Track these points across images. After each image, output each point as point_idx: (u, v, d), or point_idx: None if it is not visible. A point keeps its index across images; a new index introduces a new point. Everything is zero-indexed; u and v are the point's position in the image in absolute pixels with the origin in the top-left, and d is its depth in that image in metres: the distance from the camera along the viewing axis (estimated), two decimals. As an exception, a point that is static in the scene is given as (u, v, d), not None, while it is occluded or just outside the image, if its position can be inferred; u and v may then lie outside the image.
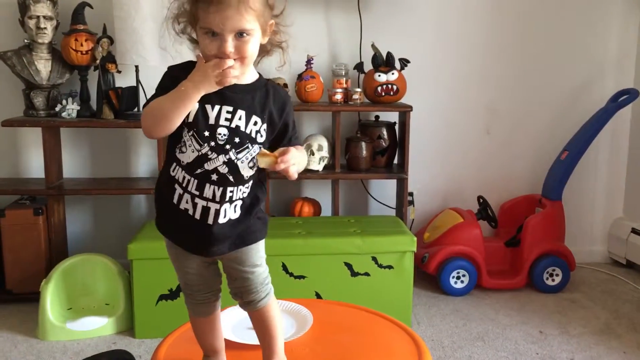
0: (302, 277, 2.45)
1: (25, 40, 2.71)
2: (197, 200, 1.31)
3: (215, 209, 1.31)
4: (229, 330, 1.71)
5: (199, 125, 1.28)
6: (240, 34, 1.24)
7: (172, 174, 1.32)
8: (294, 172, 1.27)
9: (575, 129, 3.08)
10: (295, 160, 1.27)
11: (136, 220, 3.02)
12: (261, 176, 1.39)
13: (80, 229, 3.02)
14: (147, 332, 2.40)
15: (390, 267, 2.48)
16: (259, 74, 1.37)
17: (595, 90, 3.24)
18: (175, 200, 1.33)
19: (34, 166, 2.94)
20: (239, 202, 1.34)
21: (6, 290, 2.68)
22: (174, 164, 1.32)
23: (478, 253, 2.86)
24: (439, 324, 2.58)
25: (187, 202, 1.32)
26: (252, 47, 1.26)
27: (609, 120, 3.00)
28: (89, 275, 2.55)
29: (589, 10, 3.18)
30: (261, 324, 1.43)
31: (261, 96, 1.32)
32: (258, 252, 1.40)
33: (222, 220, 1.32)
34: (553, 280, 2.92)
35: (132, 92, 2.77)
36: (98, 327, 2.43)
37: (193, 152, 1.29)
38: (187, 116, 1.27)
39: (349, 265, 2.47)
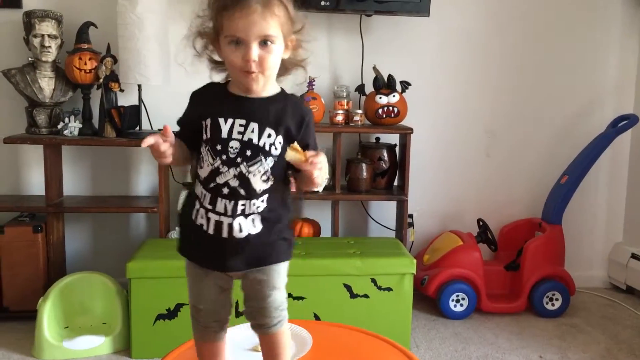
0: (301, 298, 2.44)
1: (30, 59, 2.73)
2: (210, 214, 1.31)
3: (228, 223, 1.31)
4: (229, 351, 1.70)
5: (213, 139, 1.30)
6: (264, 42, 1.24)
7: (196, 190, 1.34)
8: (318, 177, 1.25)
9: (574, 153, 3.09)
10: (323, 166, 1.25)
11: (135, 238, 3.01)
12: (285, 194, 1.37)
13: (79, 246, 3.01)
14: (144, 352, 2.38)
15: (389, 289, 2.47)
16: (282, 88, 1.36)
17: (594, 115, 3.25)
18: (193, 217, 1.34)
19: (35, 183, 2.94)
20: (256, 217, 1.32)
21: (3, 308, 2.66)
22: (197, 180, 1.34)
23: (478, 276, 2.85)
24: (438, 347, 2.56)
25: (202, 217, 1.32)
26: (274, 58, 1.27)
27: (608, 146, 3.01)
28: (86, 294, 2.54)
29: (588, 35, 3.21)
30: (269, 349, 1.41)
31: (278, 109, 1.31)
32: (279, 274, 1.38)
33: (239, 234, 1.31)
34: (553, 304, 2.90)
35: (134, 111, 2.78)
36: (95, 346, 2.41)
37: (208, 166, 1.30)
38: (206, 132, 1.30)
39: (348, 287, 2.46)
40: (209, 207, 1.31)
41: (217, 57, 1.35)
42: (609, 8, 3.20)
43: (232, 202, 1.30)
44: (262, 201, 1.32)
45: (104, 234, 3.04)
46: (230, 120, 1.29)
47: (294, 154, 1.24)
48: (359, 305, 2.46)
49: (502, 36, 3.17)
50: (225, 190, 1.30)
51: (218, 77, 1.39)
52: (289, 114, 1.31)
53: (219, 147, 1.29)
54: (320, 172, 1.25)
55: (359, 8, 2.87)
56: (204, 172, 1.31)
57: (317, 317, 2.44)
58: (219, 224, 1.31)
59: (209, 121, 1.30)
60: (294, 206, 3.03)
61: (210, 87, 1.36)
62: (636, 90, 3.26)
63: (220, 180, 1.29)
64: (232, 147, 1.29)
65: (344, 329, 1.97)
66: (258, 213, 1.32)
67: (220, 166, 1.29)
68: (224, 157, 1.29)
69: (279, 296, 1.38)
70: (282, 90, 1.36)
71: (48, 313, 2.40)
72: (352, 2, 2.83)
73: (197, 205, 1.33)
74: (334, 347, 1.82)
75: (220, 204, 1.30)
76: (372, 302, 2.47)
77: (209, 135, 1.30)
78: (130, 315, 2.39)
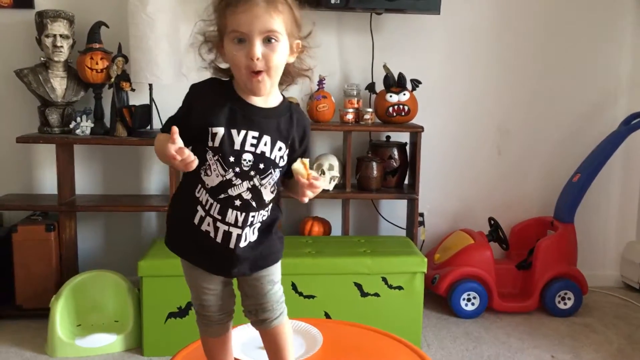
0: (312, 296, 2.44)
1: (42, 58, 2.74)
2: (219, 224, 1.31)
3: (237, 234, 1.31)
4: (238, 349, 1.70)
5: (224, 150, 1.26)
6: (268, 40, 1.23)
7: (197, 195, 1.30)
8: (309, 197, 1.29)
9: (587, 151, 3.06)
10: (317, 191, 1.29)
11: (147, 237, 3.03)
12: (279, 198, 1.39)
13: (91, 245, 3.03)
14: (155, 350, 2.39)
15: (400, 287, 2.47)
16: (283, 96, 1.36)
17: (607, 113, 3.23)
18: (196, 221, 1.31)
19: (47, 182, 2.97)
20: (258, 225, 1.35)
21: (16, 306, 2.68)
22: (199, 185, 1.30)
23: (489, 275, 2.84)
24: (449, 346, 2.55)
25: (208, 225, 1.31)
26: (279, 56, 1.25)
27: (621, 144, 2.98)
28: (98, 292, 2.56)
29: (601, 33, 3.18)
30: (273, 343, 1.42)
31: (286, 122, 1.32)
32: (277, 270, 1.41)
33: (243, 244, 1.33)
34: (565, 304, 2.89)
35: (146, 110, 2.79)
36: (107, 344, 2.42)
37: (217, 176, 1.28)
38: (213, 140, 1.26)
39: (358, 286, 2.46)
40: (218, 217, 1.30)
41: (222, 65, 1.33)
42: (622, 5, 3.17)
43: (244, 213, 1.30)
44: (268, 210, 1.35)
45: (116, 232, 3.06)
46: (243, 132, 1.27)
47: (301, 168, 1.26)
48: (369, 304, 2.46)
49: (513, 33, 3.15)
50: (238, 202, 1.29)
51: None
52: (294, 127, 1.33)
53: (231, 159, 1.27)
54: (312, 194, 1.28)
55: (369, 6, 2.87)
56: (211, 181, 1.29)
57: (327, 316, 2.44)
58: (227, 234, 1.31)
59: (220, 130, 1.26)
60: (305, 205, 3.04)
61: (214, 85, 1.32)
62: (649, 87, 3.24)
63: (232, 192, 1.29)
64: (245, 160, 1.27)
65: (354, 327, 1.97)
66: (261, 222, 1.35)
67: (233, 178, 1.28)
68: (237, 169, 1.27)
69: (277, 289, 1.40)
70: (284, 98, 1.36)
71: (60, 311, 2.42)
72: (362, 0, 2.83)
73: (202, 212, 1.31)
74: (345, 346, 1.82)
75: (231, 215, 1.30)
76: (383, 301, 2.46)
77: (216, 144, 1.26)
78: (141, 313, 2.40)
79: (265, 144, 1.28)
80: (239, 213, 1.30)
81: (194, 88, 1.32)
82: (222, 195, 1.29)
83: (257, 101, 1.30)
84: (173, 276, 2.36)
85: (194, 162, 1.20)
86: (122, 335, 2.45)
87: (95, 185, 3.02)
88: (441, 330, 2.71)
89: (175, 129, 1.19)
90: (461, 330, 2.71)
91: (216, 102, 1.28)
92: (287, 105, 1.35)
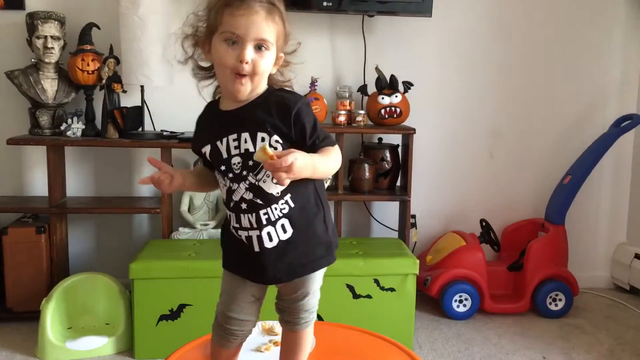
0: (304, 298, 2.43)
1: (33, 60, 2.73)
2: (240, 232, 1.33)
3: (257, 236, 1.31)
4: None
5: (217, 162, 1.32)
6: (259, 47, 1.25)
7: (226, 212, 1.37)
8: (281, 178, 1.17)
9: (578, 153, 3.08)
10: (293, 165, 1.16)
11: (138, 239, 3.02)
12: (317, 188, 1.36)
13: (82, 247, 3.02)
14: (147, 353, 2.38)
15: (392, 289, 2.47)
16: (268, 86, 1.34)
17: (598, 115, 3.25)
18: (230, 235, 1.38)
19: (38, 184, 2.95)
20: (285, 221, 1.31)
21: (7, 309, 2.66)
22: (223, 202, 1.38)
23: (481, 277, 2.85)
24: (441, 348, 2.56)
25: (235, 235, 1.36)
26: (266, 63, 1.28)
27: (611, 145, 3.00)
28: (89, 295, 2.54)
29: (592, 35, 3.20)
30: (289, 345, 1.42)
31: (262, 111, 1.28)
32: (316, 280, 1.39)
33: (269, 244, 1.32)
34: (556, 305, 2.90)
35: (137, 112, 2.79)
36: (98, 347, 2.41)
37: (224, 187, 1.33)
38: (209, 158, 1.34)
39: (350, 287, 2.46)
40: (237, 225, 1.33)
41: (203, 63, 1.35)
42: (612, 8, 3.20)
43: (253, 214, 1.30)
44: (286, 202, 1.31)
45: (107, 234, 3.05)
46: (224, 140, 1.30)
47: (261, 155, 1.18)
48: (361, 306, 2.46)
49: (504, 36, 3.17)
50: (244, 206, 1.31)
51: (203, 90, 1.40)
52: (274, 113, 1.27)
53: (223, 168, 1.31)
54: (284, 173, 1.17)
55: (361, 9, 2.87)
56: (223, 195, 1.35)
57: (319, 318, 2.43)
58: (249, 239, 1.33)
59: (208, 148, 1.33)
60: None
61: (208, 108, 1.39)
62: (639, 90, 3.25)
63: (235, 197, 1.31)
64: (234, 164, 1.30)
65: (346, 329, 1.97)
66: (285, 216, 1.31)
67: (232, 185, 1.31)
68: (231, 175, 1.31)
69: (311, 300, 1.39)
70: (268, 87, 1.33)
71: (51, 314, 2.41)
72: (354, 2, 2.83)
73: (229, 226, 1.37)
74: (337, 348, 1.82)
75: (244, 220, 1.31)
76: (375, 303, 2.47)
77: (212, 161, 1.34)
78: (133, 316, 2.39)
79: (245, 141, 1.28)
80: (250, 215, 1.31)
81: (197, 118, 1.41)
82: (231, 204, 1.32)
83: (237, 105, 1.31)
84: (164, 278, 2.37)
85: (163, 182, 1.33)
86: (113, 338, 2.44)
87: (86, 187, 3.01)
88: (433, 332, 2.72)
89: (151, 158, 1.37)
90: (453, 332, 2.72)
91: (205, 124, 1.38)
92: (268, 93, 1.31)
